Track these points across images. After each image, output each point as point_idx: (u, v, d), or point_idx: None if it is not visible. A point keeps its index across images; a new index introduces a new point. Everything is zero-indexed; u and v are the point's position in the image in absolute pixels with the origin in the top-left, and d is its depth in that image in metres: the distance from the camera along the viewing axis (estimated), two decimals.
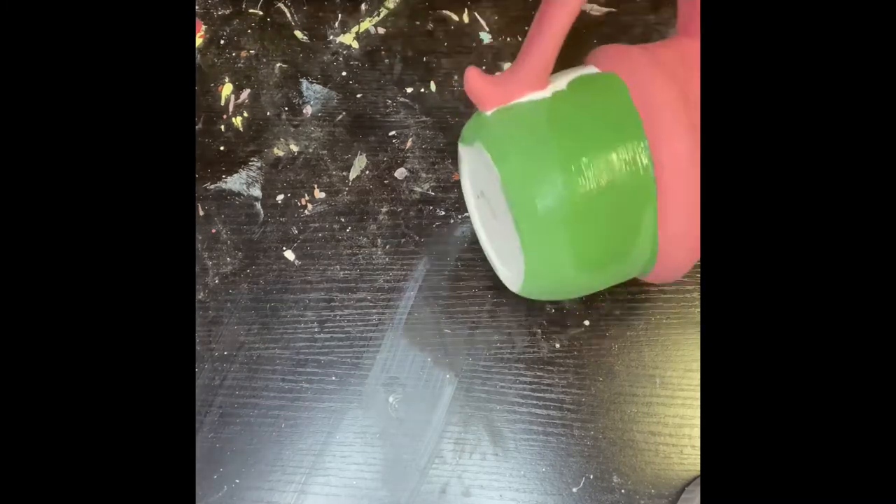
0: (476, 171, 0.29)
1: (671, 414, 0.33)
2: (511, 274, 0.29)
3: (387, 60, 0.37)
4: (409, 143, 0.36)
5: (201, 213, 0.36)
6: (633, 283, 0.34)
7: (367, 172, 0.36)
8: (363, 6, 0.38)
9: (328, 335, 0.34)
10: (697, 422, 0.32)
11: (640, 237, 0.25)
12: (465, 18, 0.39)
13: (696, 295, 0.34)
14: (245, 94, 0.37)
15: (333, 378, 0.33)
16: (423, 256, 0.35)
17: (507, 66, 0.38)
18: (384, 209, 0.35)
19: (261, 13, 0.39)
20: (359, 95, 0.37)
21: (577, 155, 0.24)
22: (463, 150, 0.29)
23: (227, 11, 0.39)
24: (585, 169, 0.24)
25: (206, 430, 0.33)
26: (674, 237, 0.25)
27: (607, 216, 0.24)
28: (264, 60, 0.38)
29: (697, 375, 0.33)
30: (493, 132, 0.25)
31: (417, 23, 0.38)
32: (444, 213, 0.35)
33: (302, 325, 0.34)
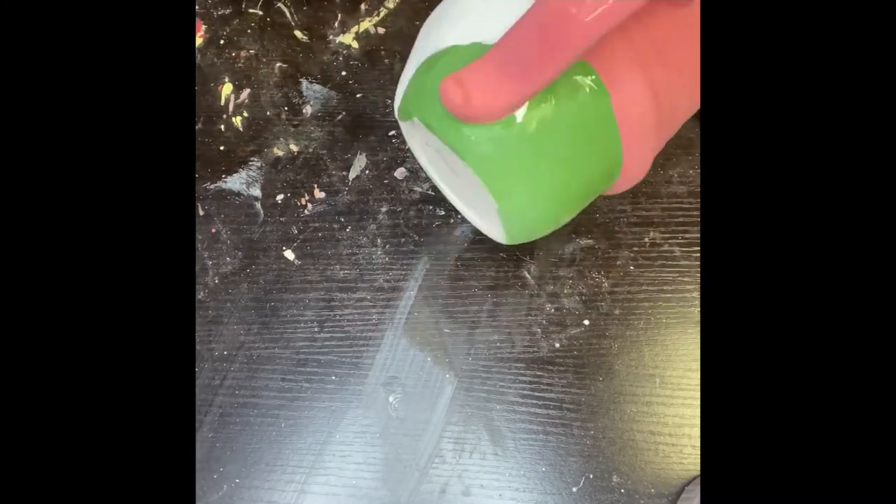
0: (424, 137, 0.28)
1: (671, 414, 0.33)
2: (493, 226, 0.29)
3: (387, 60, 0.37)
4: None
5: (201, 213, 0.36)
6: (633, 282, 0.34)
7: (367, 172, 0.36)
8: (363, 6, 0.38)
9: (328, 335, 0.34)
10: (697, 422, 0.32)
11: (603, 148, 0.24)
12: None
13: (696, 295, 0.34)
14: (245, 94, 0.37)
15: (333, 378, 0.33)
16: (423, 256, 0.35)
17: None
18: (384, 209, 0.35)
19: (261, 13, 0.39)
20: (359, 95, 0.37)
21: None
22: (403, 125, 0.28)
23: (227, 11, 0.39)
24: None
25: (206, 430, 0.33)
26: (634, 142, 0.25)
27: (563, 137, 0.23)
28: (264, 60, 0.38)
29: (697, 375, 0.33)
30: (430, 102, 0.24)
31: (417, 23, 0.38)
32: (444, 212, 0.35)
33: (302, 324, 0.34)
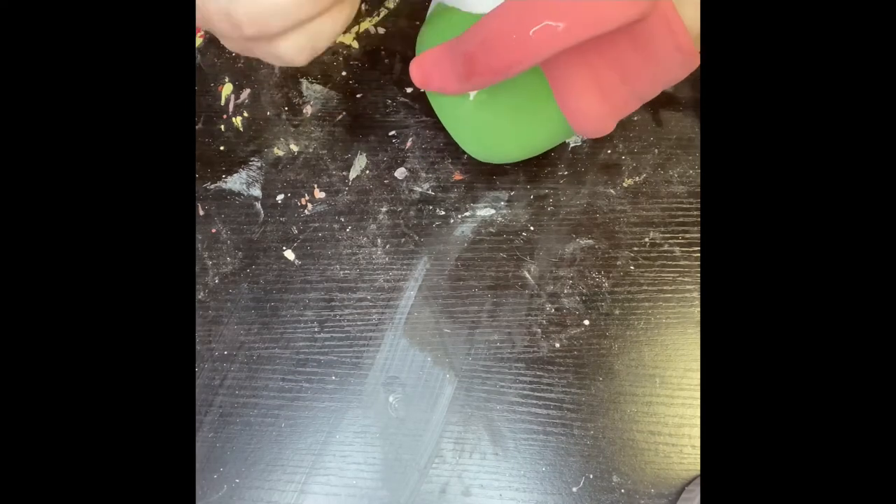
0: None
1: (671, 414, 0.33)
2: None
3: (387, 60, 0.37)
4: (409, 143, 0.36)
5: (201, 213, 0.36)
6: (633, 282, 0.34)
7: (367, 172, 0.36)
8: (363, 6, 0.38)
9: (328, 335, 0.34)
10: (697, 422, 0.32)
11: (547, 117, 0.28)
12: None
13: (696, 295, 0.34)
14: (245, 94, 0.37)
15: (333, 378, 0.33)
16: (423, 256, 0.35)
17: None
18: (384, 209, 0.35)
19: None
20: (359, 95, 0.37)
21: None
22: None
23: None
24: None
25: (206, 430, 0.33)
26: (575, 112, 0.26)
27: (508, 111, 0.28)
28: (264, 60, 0.38)
29: (697, 375, 0.33)
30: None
31: (417, 23, 0.38)
32: (444, 212, 0.35)
33: (302, 324, 0.34)
